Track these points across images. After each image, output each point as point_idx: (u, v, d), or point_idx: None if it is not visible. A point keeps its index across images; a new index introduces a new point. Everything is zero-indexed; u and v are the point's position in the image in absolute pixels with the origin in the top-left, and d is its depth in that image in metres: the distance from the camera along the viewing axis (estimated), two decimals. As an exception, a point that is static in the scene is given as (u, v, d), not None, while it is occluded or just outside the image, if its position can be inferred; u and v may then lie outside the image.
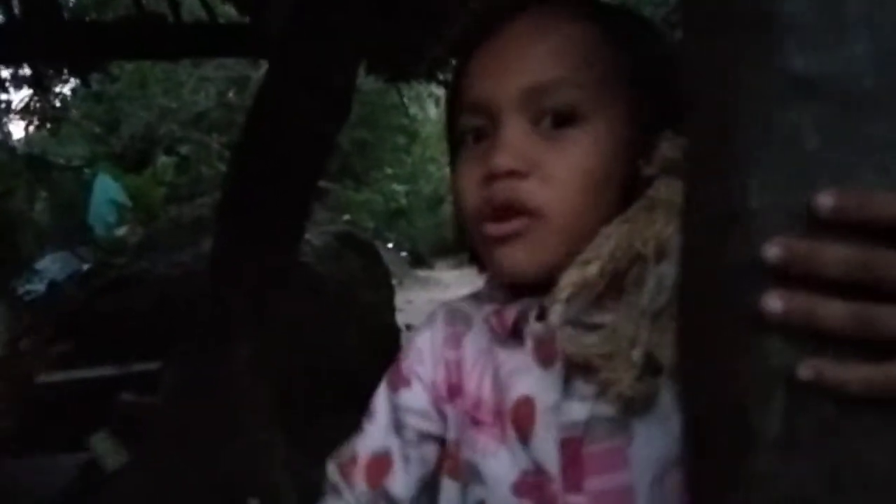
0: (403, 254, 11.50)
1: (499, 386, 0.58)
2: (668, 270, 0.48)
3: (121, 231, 5.46)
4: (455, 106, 0.63)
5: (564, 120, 0.56)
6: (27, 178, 5.89)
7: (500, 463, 0.56)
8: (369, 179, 11.24)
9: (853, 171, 0.31)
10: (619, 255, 0.50)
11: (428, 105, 11.96)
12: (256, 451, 2.49)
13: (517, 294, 0.60)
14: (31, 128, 9.51)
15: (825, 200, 0.30)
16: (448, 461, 0.62)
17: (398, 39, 2.60)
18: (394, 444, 0.64)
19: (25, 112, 9.21)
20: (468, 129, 0.60)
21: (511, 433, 0.56)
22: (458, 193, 0.60)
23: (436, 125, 11.64)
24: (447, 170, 0.68)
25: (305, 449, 2.87)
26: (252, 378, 2.51)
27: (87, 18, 5.93)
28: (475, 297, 0.67)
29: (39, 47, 2.70)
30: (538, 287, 0.56)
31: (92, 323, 3.52)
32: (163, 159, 7.98)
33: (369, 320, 3.95)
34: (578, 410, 0.53)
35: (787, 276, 0.31)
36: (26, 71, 6.41)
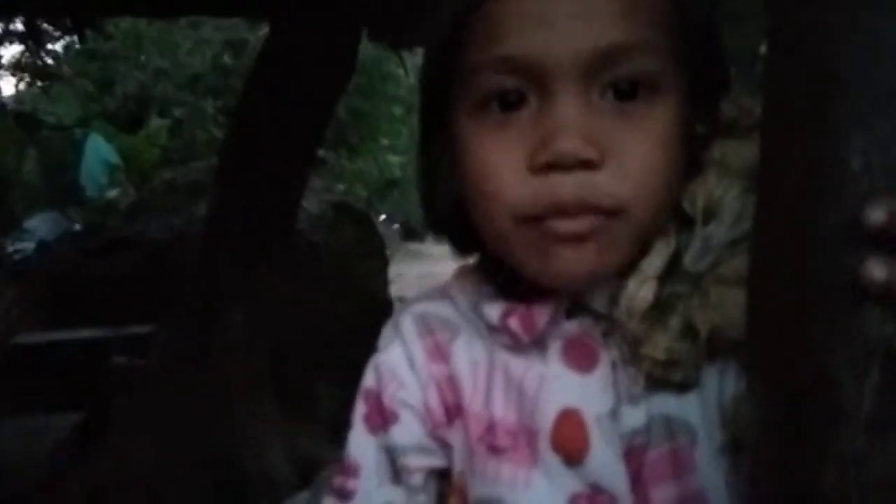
0: (395, 226, 11.47)
1: (521, 402, 0.49)
2: (715, 231, 0.45)
3: (113, 193, 5.40)
4: (463, 53, 0.48)
5: (629, 91, 0.46)
6: (17, 136, 5.80)
7: (536, 494, 0.48)
8: (364, 149, 11.16)
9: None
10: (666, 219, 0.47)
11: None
12: (248, 418, 2.48)
13: (516, 288, 0.51)
14: (22, 85, 9.38)
15: None
16: (453, 497, 0.52)
17: (402, 4, 2.54)
18: (396, 498, 0.53)
19: (16, 68, 9.08)
20: (493, 90, 0.47)
21: (549, 455, 0.48)
22: (483, 177, 0.47)
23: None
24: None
25: (296, 416, 2.87)
26: (244, 345, 2.49)
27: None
28: (445, 296, 0.56)
29: (36, 0, 2.64)
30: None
31: (83, 284, 3.48)
32: (156, 121, 7.87)
33: (362, 291, 3.94)
34: (636, 415, 0.46)
35: (891, 242, 0.28)
36: (18, 26, 6.29)
